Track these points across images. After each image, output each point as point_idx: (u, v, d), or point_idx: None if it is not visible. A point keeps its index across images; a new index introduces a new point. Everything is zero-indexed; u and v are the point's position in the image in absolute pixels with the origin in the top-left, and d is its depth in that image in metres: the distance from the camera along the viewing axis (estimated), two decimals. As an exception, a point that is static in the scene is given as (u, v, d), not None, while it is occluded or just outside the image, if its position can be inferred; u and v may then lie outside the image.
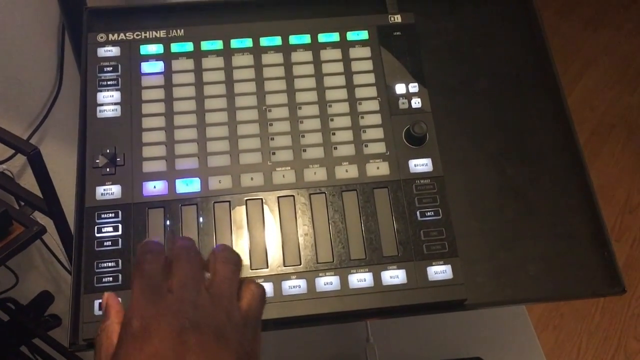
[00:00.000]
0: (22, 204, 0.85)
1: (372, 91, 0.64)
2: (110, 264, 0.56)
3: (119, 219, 0.58)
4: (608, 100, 2.44)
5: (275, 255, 0.58)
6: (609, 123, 2.35)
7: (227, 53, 0.64)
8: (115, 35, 0.64)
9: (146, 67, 0.63)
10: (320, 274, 0.57)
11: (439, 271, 0.58)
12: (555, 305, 1.78)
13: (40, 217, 0.90)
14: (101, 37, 0.64)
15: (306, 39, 0.66)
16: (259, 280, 0.56)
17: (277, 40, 0.65)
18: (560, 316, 1.77)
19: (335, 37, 0.66)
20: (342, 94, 0.64)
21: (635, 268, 1.87)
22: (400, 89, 0.64)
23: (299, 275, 0.57)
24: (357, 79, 0.65)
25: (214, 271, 0.42)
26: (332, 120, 0.63)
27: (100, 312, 0.55)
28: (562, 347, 1.71)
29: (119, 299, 0.43)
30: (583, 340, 1.72)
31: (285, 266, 0.57)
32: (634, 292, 1.80)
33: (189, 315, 0.39)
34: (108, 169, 0.59)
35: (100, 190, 0.59)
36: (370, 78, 0.65)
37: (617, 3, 2.90)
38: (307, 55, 0.65)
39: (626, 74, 2.55)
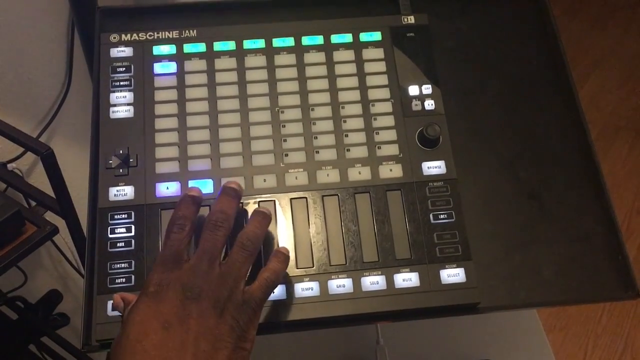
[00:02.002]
0: (34, 203, 0.85)
1: (385, 93, 0.64)
2: (123, 265, 0.56)
3: (132, 220, 0.58)
4: (615, 102, 2.43)
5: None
6: (616, 124, 2.35)
7: (239, 54, 0.64)
8: (128, 35, 0.64)
9: (159, 67, 0.63)
10: (332, 277, 0.57)
11: (452, 274, 0.58)
12: (562, 307, 1.78)
13: (49, 216, 0.90)
14: (114, 38, 0.64)
15: (319, 40, 0.65)
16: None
17: (289, 41, 0.65)
18: (567, 317, 1.77)
19: (348, 38, 0.66)
20: (355, 95, 0.64)
21: (642, 270, 1.86)
22: (413, 90, 0.64)
23: (311, 277, 0.57)
24: (370, 80, 0.64)
25: (230, 253, 0.50)
26: (344, 121, 0.62)
27: (114, 313, 0.55)
28: (568, 348, 1.71)
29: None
30: (590, 342, 1.72)
31: (297, 268, 0.57)
32: (641, 294, 1.79)
33: (195, 286, 0.47)
34: (121, 170, 0.59)
35: (113, 191, 0.59)
36: (383, 79, 0.64)
37: (624, 3, 2.88)
38: (320, 56, 0.65)
39: (633, 75, 2.54)
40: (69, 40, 1.03)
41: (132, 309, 0.47)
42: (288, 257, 0.54)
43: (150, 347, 0.45)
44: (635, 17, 2.81)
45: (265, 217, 0.54)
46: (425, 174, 0.61)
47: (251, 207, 0.59)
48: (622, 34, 2.72)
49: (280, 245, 0.58)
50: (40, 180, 1.02)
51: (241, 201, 0.59)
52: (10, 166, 0.95)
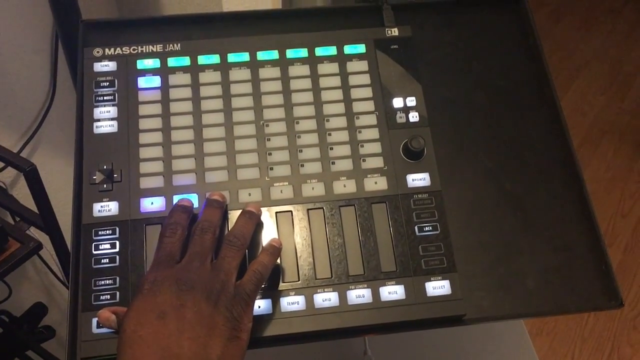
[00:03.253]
0: (18, 219, 0.84)
1: (369, 105, 0.64)
2: (108, 282, 0.56)
3: (117, 235, 0.57)
4: (599, 106, 2.46)
5: (273, 271, 0.57)
6: (601, 129, 2.37)
7: (224, 67, 0.64)
8: (112, 49, 0.64)
9: (143, 82, 0.63)
10: (318, 290, 0.57)
11: (437, 286, 0.58)
12: (549, 312, 1.79)
13: (34, 230, 0.89)
14: (97, 52, 0.64)
15: (303, 52, 0.66)
16: (257, 297, 0.56)
17: (274, 54, 0.65)
18: (554, 321, 1.78)
19: (332, 50, 0.66)
20: (340, 108, 0.64)
21: (627, 273, 1.88)
22: (397, 102, 0.64)
23: (297, 291, 0.57)
24: (355, 93, 0.64)
25: (220, 251, 0.53)
26: (329, 134, 0.63)
27: (99, 330, 0.54)
28: (556, 352, 1.72)
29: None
30: (577, 345, 1.73)
31: (283, 282, 0.57)
32: (626, 298, 1.81)
33: (188, 280, 0.49)
34: (105, 186, 0.59)
35: (97, 207, 0.58)
36: (368, 92, 0.65)
37: (608, 8, 2.92)
38: (305, 69, 0.65)
39: (617, 80, 2.57)
40: (53, 53, 1.03)
41: (128, 309, 0.49)
42: (278, 249, 0.56)
43: (147, 335, 0.46)
44: (619, 22, 2.85)
45: (252, 215, 0.56)
46: (410, 186, 0.61)
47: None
48: (606, 39, 2.75)
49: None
50: (24, 192, 1.02)
51: (227, 215, 0.59)
52: (-7, 179, 0.94)
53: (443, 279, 0.58)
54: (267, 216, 0.59)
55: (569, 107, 2.44)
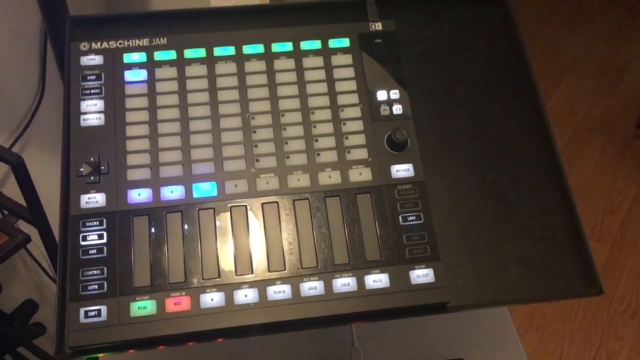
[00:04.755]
0: (6, 212, 0.85)
1: (354, 98, 0.65)
2: (95, 272, 0.56)
3: (104, 227, 0.58)
4: (588, 104, 2.48)
5: (259, 261, 0.58)
6: (589, 126, 2.39)
7: (210, 61, 0.65)
8: (98, 43, 0.65)
9: (129, 75, 0.64)
10: (304, 279, 0.58)
11: (421, 275, 0.59)
12: (538, 307, 1.81)
13: (24, 226, 0.89)
14: (84, 46, 0.65)
15: (288, 46, 0.66)
16: (244, 287, 0.57)
17: (259, 48, 0.66)
18: (543, 317, 1.79)
19: (317, 44, 0.67)
20: (325, 101, 0.65)
21: (615, 269, 1.90)
22: (381, 95, 0.65)
23: (283, 280, 0.58)
24: (339, 86, 0.65)
25: None
26: (314, 127, 0.64)
27: (87, 320, 0.55)
28: (545, 347, 1.73)
29: None
30: (566, 340, 1.75)
31: (270, 272, 0.58)
32: (614, 293, 1.83)
33: None
34: (92, 178, 0.60)
35: (84, 198, 0.59)
36: (352, 85, 0.66)
37: (596, 7, 2.94)
38: (290, 63, 0.66)
39: (605, 77, 2.59)
40: (42, 50, 1.03)
41: None
42: None
43: None
44: (607, 21, 2.87)
45: None
46: (394, 177, 0.62)
47: (222, 214, 0.59)
48: (595, 37, 2.78)
49: (252, 250, 0.58)
50: (14, 190, 1.02)
51: (213, 206, 0.60)
52: (-18, 176, 0.95)
53: (427, 267, 0.59)
54: (254, 207, 0.60)
55: (558, 105, 2.46)
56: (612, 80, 2.58)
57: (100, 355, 0.62)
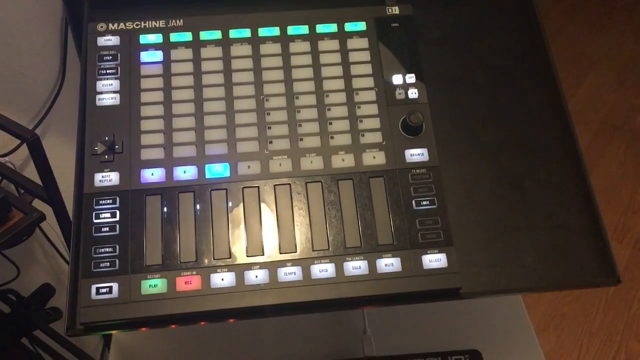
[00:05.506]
0: (22, 191, 0.86)
1: (369, 82, 0.65)
2: (107, 250, 0.57)
3: (117, 205, 0.58)
4: (612, 102, 2.44)
5: (271, 242, 0.58)
6: (613, 125, 2.35)
7: (225, 43, 0.65)
8: (115, 24, 0.65)
9: (145, 56, 0.64)
10: (315, 262, 0.58)
11: (433, 259, 0.58)
12: (556, 305, 1.78)
13: (41, 207, 0.90)
14: (101, 27, 0.65)
15: (304, 29, 0.66)
16: (255, 268, 0.57)
17: (275, 31, 0.66)
18: (562, 316, 1.77)
19: (333, 28, 0.66)
20: (340, 84, 0.64)
21: (637, 269, 1.86)
22: (397, 79, 0.65)
23: (294, 262, 0.57)
24: (355, 70, 0.65)
25: None
26: (329, 110, 0.63)
27: (98, 297, 0.55)
28: (563, 347, 1.71)
29: None
30: (584, 340, 1.72)
31: (281, 253, 0.58)
32: (635, 294, 1.80)
33: None
34: (106, 156, 0.60)
35: (98, 177, 0.59)
36: (368, 69, 0.65)
37: (622, 5, 2.89)
38: (305, 46, 0.65)
39: (630, 77, 2.54)
40: (63, 34, 1.04)
41: None
42: None
43: None
44: (632, 19, 2.82)
45: None
46: (408, 161, 0.62)
47: (235, 194, 0.59)
48: (620, 36, 2.73)
49: (264, 231, 0.58)
50: (34, 175, 1.03)
51: (225, 187, 0.60)
52: (3, 159, 0.96)
53: (440, 252, 0.59)
54: (266, 189, 0.60)
55: (581, 103, 2.43)
56: (637, 80, 2.53)
57: (114, 332, 0.62)
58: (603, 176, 2.14)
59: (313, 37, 0.66)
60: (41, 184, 0.73)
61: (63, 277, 1.25)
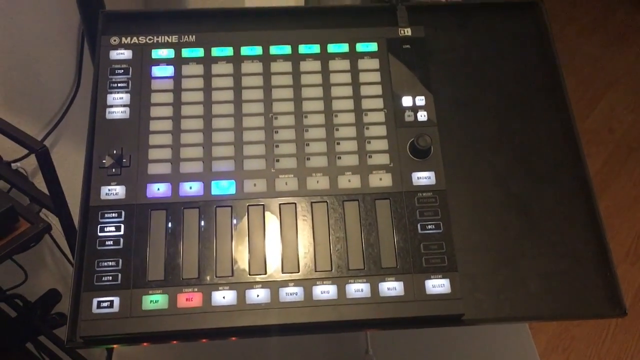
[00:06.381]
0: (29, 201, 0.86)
1: (378, 103, 0.64)
2: (110, 263, 0.57)
3: (122, 219, 0.58)
4: (628, 123, 2.42)
5: (273, 261, 0.58)
6: (628, 146, 2.33)
7: (236, 60, 0.65)
8: (128, 38, 0.66)
9: (157, 70, 0.64)
10: (317, 283, 0.57)
11: (437, 285, 0.58)
12: (565, 328, 1.76)
13: (51, 215, 0.91)
14: (114, 40, 0.65)
15: (315, 48, 0.66)
16: (257, 287, 0.57)
17: (286, 49, 0.66)
18: (571, 338, 1.75)
19: (344, 47, 0.66)
20: (349, 104, 0.64)
21: (649, 293, 1.83)
22: (407, 101, 0.65)
23: (296, 282, 0.57)
24: (365, 90, 0.65)
25: None
26: (337, 130, 0.63)
27: (99, 310, 0.55)
28: (571, 370, 1.69)
29: None
30: (593, 364, 1.70)
31: (283, 273, 0.58)
32: (647, 319, 1.77)
33: None
34: (114, 170, 0.60)
35: (105, 190, 0.59)
36: (378, 90, 0.65)
37: (638, 25, 2.87)
38: (316, 65, 0.66)
39: (647, 98, 2.52)
40: (79, 45, 1.05)
41: None
42: None
43: None
44: (650, 40, 2.80)
45: None
46: (414, 184, 0.61)
47: (240, 211, 0.59)
48: (636, 56, 2.71)
49: (267, 250, 0.58)
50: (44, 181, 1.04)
51: (230, 204, 0.60)
52: (14, 165, 0.97)
53: (443, 277, 0.58)
54: (271, 207, 0.60)
55: (597, 123, 2.41)
56: (655, 100, 2.50)
57: (115, 346, 0.62)
58: (616, 198, 2.12)
59: (324, 57, 0.66)
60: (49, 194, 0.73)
61: (70, 282, 1.25)
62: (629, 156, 2.30)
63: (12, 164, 0.97)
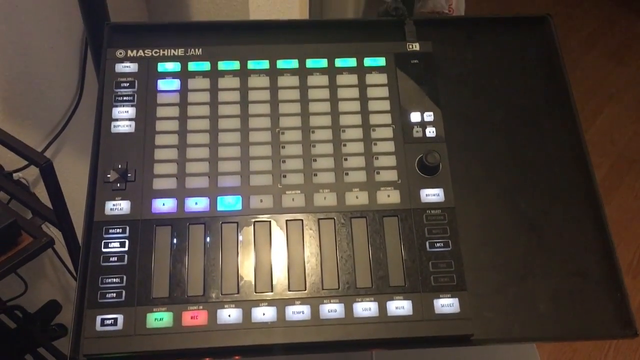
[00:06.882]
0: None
1: (386, 118, 0.64)
2: (114, 280, 0.56)
3: (126, 234, 0.58)
4: (629, 134, 2.42)
5: (280, 279, 0.57)
6: (630, 157, 2.32)
7: (243, 74, 0.65)
8: (134, 51, 0.65)
9: (162, 84, 0.64)
10: (324, 301, 0.56)
11: (445, 304, 0.57)
12: (566, 342, 1.75)
13: (53, 227, 0.90)
14: (120, 53, 0.65)
15: (323, 63, 0.66)
16: (263, 305, 0.56)
17: (294, 63, 0.65)
18: (573, 352, 1.73)
19: (352, 62, 0.66)
20: (357, 119, 0.64)
21: (653, 307, 1.82)
22: (415, 117, 0.64)
23: (303, 301, 0.56)
24: (372, 105, 0.64)
25: None
26: (344, 145, 0.62)
27: (103, 328, 0.54)
28: (573, 385, 1.67)
29: None
30: (595, 377, 1.68)
31: (290, 291, 0.57)
32: (650, 333, 1.76)
33: None
34: (119, 184, 0.59)
35: (109, 205, 0.59)
36: (386, 105, 0.64)
37: (641, 37, 2.88)
38: (323, 80, 0.65)
39: (649, 109, 2.52)
40: (82, 57, 1.05)
41: None
42: None
43: None
44: (653, 51, 2.80)
45: None
46: (423, 201, 0.60)
47: (245, 228, 0.58)
48: (638, 68, 2.71)
49: (273, 267, 0.57)
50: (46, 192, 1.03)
51: (236, 220, 0.59)
52: (16, 175, 0.96)
53: (452, 296, 0.57)
54: (278, 224, 0.59)
55: (599, 134, 2.40)
56: (657, 112, 2.50)
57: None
58: (618, 210, 2.11)
59: (332, 71, 0.65)
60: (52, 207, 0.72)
61: (71, 293, 1.25)
62: (630, 168, 2.29)
63: (14, 174, 0.96)
